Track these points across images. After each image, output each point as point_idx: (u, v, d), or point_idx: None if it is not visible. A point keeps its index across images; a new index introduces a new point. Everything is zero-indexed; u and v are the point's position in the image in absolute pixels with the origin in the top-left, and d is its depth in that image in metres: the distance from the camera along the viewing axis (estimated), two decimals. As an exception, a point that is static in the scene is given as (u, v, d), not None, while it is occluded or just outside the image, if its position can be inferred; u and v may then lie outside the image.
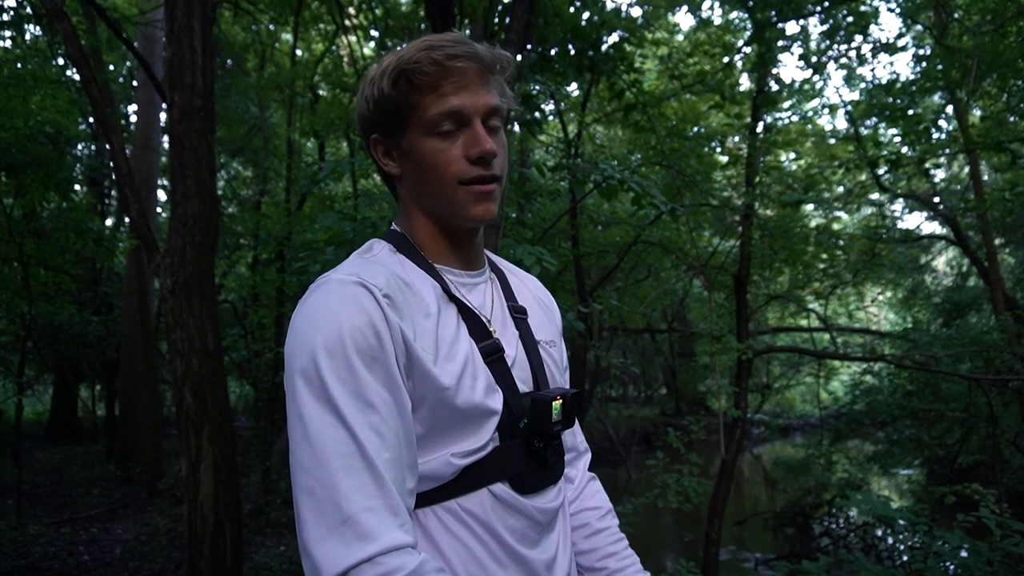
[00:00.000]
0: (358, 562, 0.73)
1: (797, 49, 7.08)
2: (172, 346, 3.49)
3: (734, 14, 7.63)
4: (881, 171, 7.71)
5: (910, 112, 6.98)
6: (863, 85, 8.70)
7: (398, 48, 0.94)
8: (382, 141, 0.97)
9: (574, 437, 1.18)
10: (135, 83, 9.95)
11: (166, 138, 8.30)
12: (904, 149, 6.47)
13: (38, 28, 7.53)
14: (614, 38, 5.57)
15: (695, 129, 7.52)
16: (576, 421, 1.14)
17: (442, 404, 0.86)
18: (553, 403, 0.94)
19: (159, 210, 10.11)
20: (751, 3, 5.90)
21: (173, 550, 5.66)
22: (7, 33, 7.32)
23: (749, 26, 6.86)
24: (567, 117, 8.07)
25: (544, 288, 1.21)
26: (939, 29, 7.00)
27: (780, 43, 6.46)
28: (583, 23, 5.22)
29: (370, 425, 0.79)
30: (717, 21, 7.99)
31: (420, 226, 0.99)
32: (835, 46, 7.25)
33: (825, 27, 6.87)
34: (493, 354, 0.94)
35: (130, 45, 5.42)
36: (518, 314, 1.05)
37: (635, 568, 1.11)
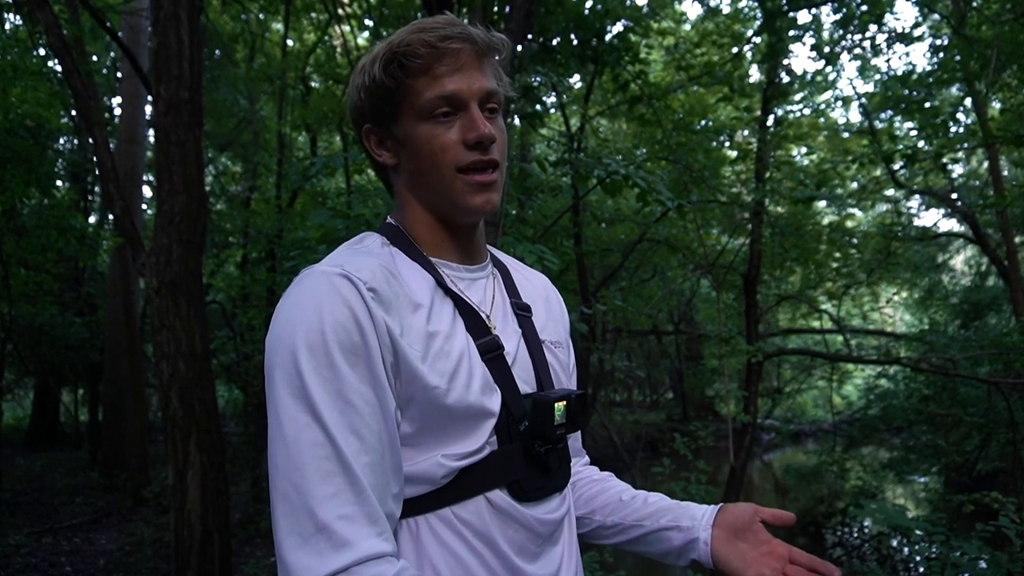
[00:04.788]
0: (332, 572, 0.71)
1: (809, 39, 7.09)
2: (158, 348, 3.49)
3: (743, 2, 7.71)
4: (897, 166, 7.77)
5: (927, 105, 7.08)
6: (878, 77, 8.79)
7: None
8: (375, 131, 0.96)
9: (575, 440, 1.17)
10: (119, 74, 9.96)
11: (151, 132, 8.29)
12: (921, 143, 6.56)
13: (18, 17, 7.60)
14: (618, 27, 5.64)
15: (703, 122, 7.64)
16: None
17: (432, 404, 0.83)
18: (556, 404, 0.91)
19: (144, 207, 10.23)
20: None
21: (159, 561, 5.63)
22: (-13, 23, 7.25)
23: (759, 15, 6.89)
24: (569, 110, 8.14)
25: (552, 287, 1.17)
26: (957, 18, 6.94)
27: (791, 33, 6.49)
28: (586, 12, 5.25)
29: (349, 427, 0.76)
30: (726, 10, 8.01)
31: (417, 218, 0.96)
32: (849, 36, 7.26)
33: (838, 16, 6.89)
34: (492, 351, 0.91)
35: (114, 35, 5.60)
36: (521, 311, 1.02)
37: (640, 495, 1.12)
